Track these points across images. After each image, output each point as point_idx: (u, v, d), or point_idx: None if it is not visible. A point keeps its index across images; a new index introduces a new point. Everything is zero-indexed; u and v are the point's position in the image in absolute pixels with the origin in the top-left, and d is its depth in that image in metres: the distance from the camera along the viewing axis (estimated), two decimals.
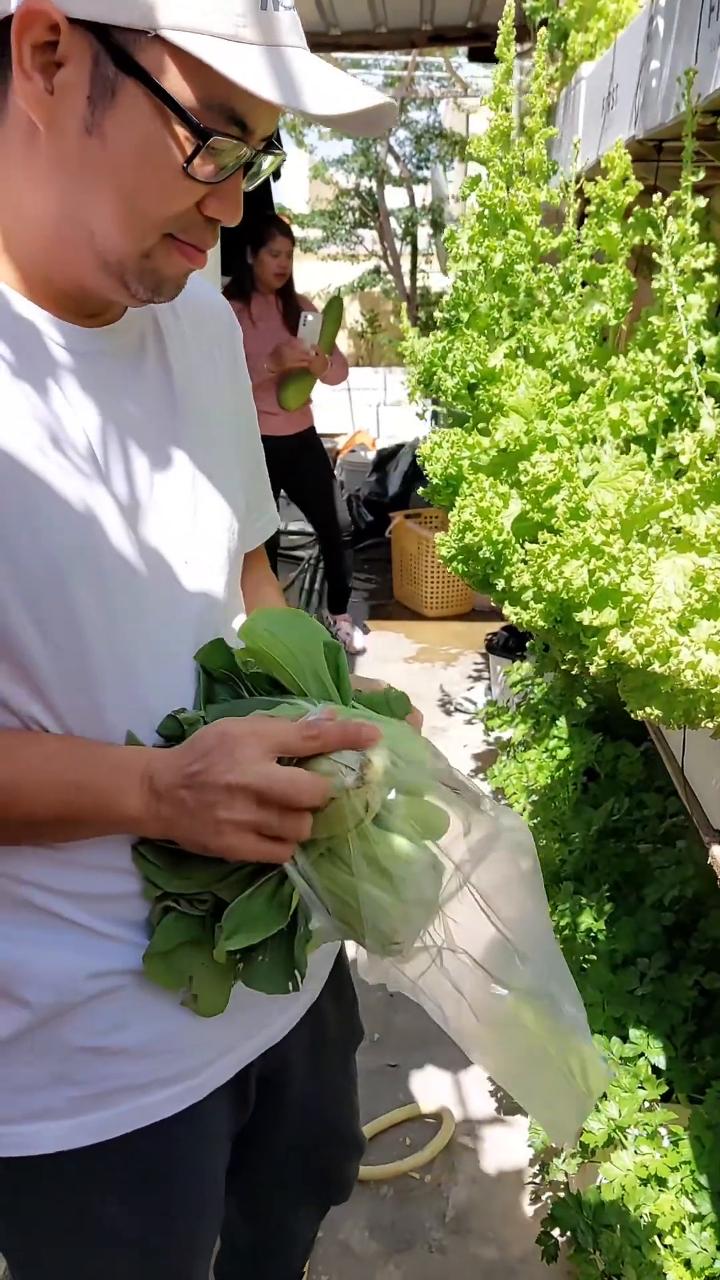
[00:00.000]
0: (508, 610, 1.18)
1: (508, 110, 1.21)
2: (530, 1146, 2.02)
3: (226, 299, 1.69)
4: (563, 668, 1.19)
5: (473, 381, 1.17)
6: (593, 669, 1.14)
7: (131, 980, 0.89)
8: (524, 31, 5.43)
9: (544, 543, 1.09)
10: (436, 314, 1.22)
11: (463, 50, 7.90)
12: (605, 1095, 1.70)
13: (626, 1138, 1.65)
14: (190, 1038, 0.94)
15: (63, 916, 0.87)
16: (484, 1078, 2.31)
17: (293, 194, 15.73)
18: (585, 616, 1.10)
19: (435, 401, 1.44)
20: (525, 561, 1.13)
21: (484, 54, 6.27)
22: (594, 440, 1.27)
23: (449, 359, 1.19)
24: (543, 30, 1.79)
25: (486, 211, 1.21)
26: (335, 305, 4.58)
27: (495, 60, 1.55)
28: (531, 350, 1.20)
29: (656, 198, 1.15)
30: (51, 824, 0.83)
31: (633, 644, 1.08)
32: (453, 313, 1.23)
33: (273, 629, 0.90)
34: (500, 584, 1.17)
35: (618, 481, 1.11)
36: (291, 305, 4.42)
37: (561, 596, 1.11)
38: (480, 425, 1.21)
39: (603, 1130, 1.64)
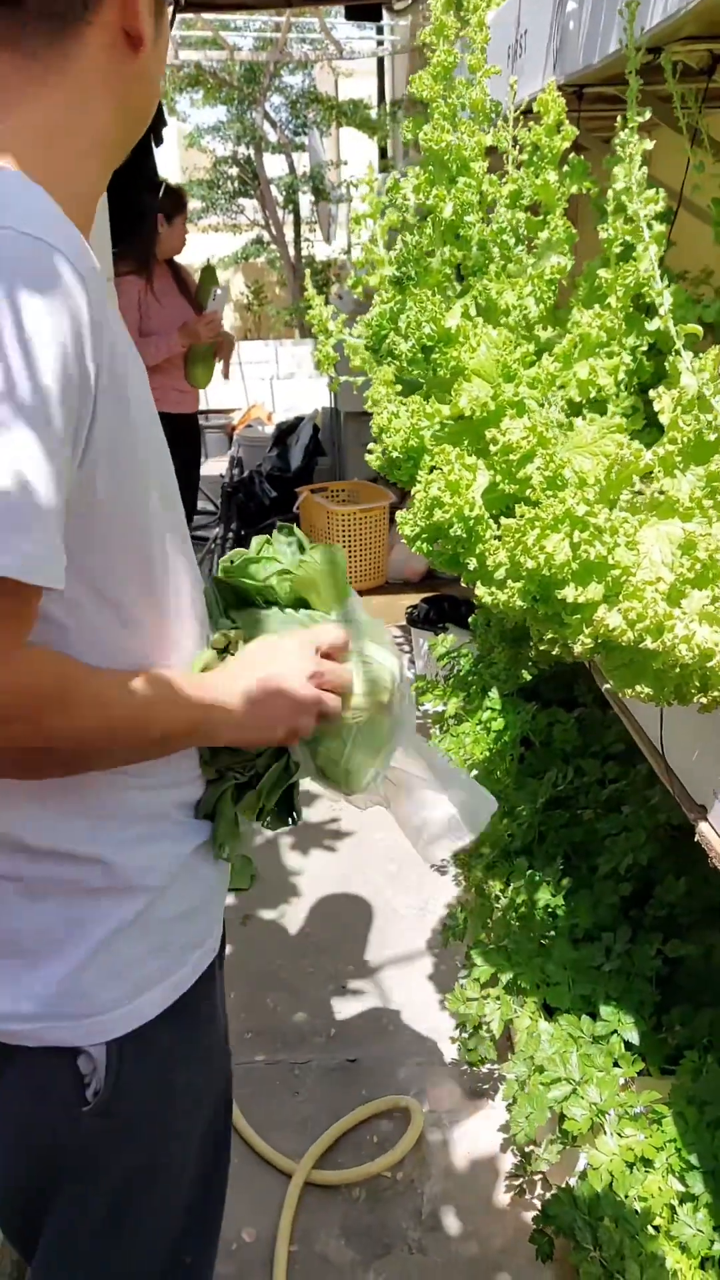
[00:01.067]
0: (480, 591, 1.10)
1: (450, 44, 1.11)
2: (502, 1132, 1.98)
3: (123, 272, 1.58)
4: (541, 648, 1.11)
5: (429, 344, 1.08)
6: (578, 649, 1.06)
7: (194, 852, 1.04)
8: None
9: (521, 516, 1.01)
10: (380, 273, 1.12)
11: (337, 11, 7.72)
12: (584, 1078, 1.66)
13: (608, 1120, 1.61)
14: (219, 893, 1.10)
15: (157, 812, 1.01)
16: (449, 1062, 2.26)
17: (167, 162, 15.27)
18: (569, 593, 1.03)
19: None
20: (499, 538, 1.04)
21: (362, 11, 6.12)
22: (557, 403, 1.19)
23: (401, 320, 1.09)
24: None
25: (432, 158, 1.11)
26: (209, 274, 4.48)
27: (373, 19, 1.44)
28: (488, 307, 1.11)
29: (625, 135, 1.06)
30: (178, 739, 0.97)
31: (622, 620, 1.00)
32: (402, 270, 1.13)
33: (316, 558, 1.09)
34: (472, 563, 1.08)
35: (595, 446, 1.03)
36: (182, 277, 4.27)
37: (542, 573, 1.03)
38: (437, 392, 1.11)
39: (585, 1116, 1.60)
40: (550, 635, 1.12)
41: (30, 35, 0.82)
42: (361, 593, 5.23)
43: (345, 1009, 2.45)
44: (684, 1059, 1.70)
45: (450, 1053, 2.27)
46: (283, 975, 2.57)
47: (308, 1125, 2.13)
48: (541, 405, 1.09)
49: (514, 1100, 1.71)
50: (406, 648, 4.62)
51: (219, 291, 4.24)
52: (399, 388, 1.20)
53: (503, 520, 1.06)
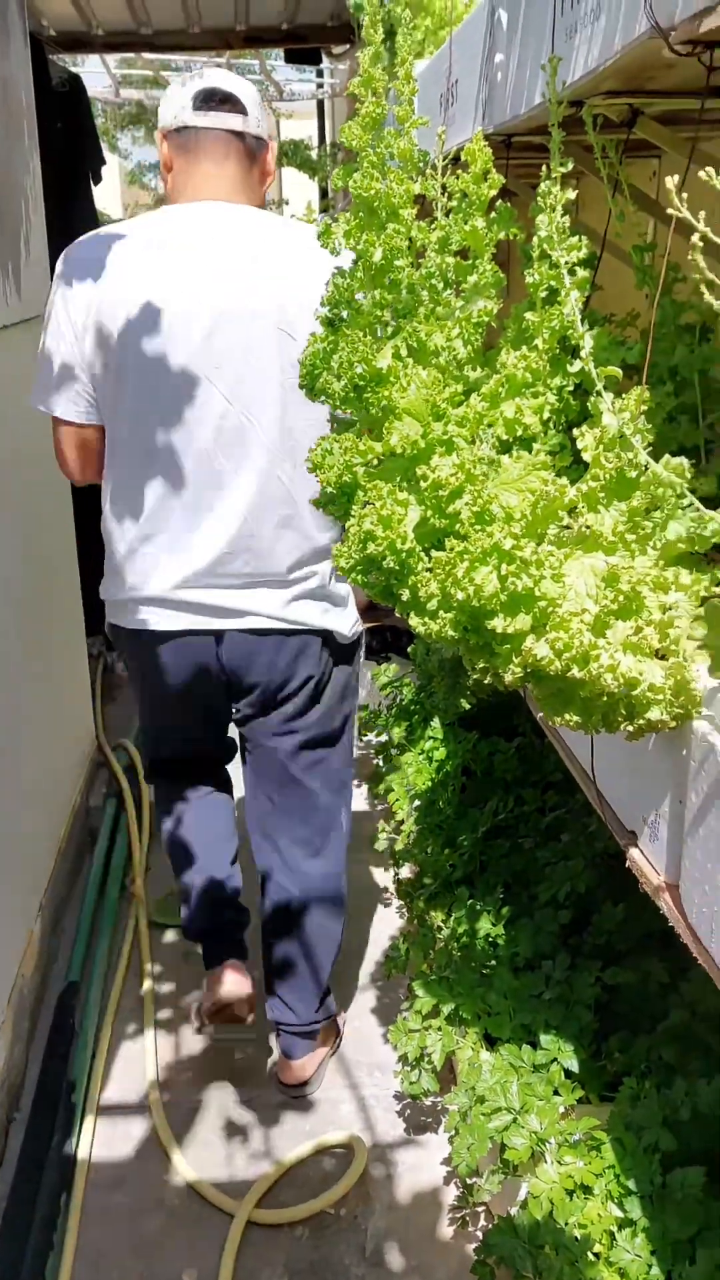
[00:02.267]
0: (414, 621, 1.12)
1: (378, 96, 1.15)
2: (445, 1165, 1.98)
3: None
4: (474, 677, 1.13)
5: (360, 383, 1.11)
6: (508, 678, 1.09)
7: None
8: (347, 31, 5.41)
9: (451, 549, 1.03)
10: (316, 312, 1.15)
11: (277, 53, 7.85)
12: (524, 1108, 1.67)
13: (548, 1149, 1.62)
14: None
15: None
16: (393, 1095, 2.25)
17: (108, 199, 15.32)
18: (498, 624, 1.05)
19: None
20: (431, 570, 1.07)
21: (300, 55, 6.24)
22: (480, 440, 1.22)
23: (334, 361, 1.12)
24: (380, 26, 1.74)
25: (362, 205, 1.14)
26: None
27: (311, 62, 1.49)
28: (418, 349, 1.14)
29: (544, 187, 1.11)
30: None
31: (549, 650, 1.03)
32: (334, 311, 1.16)
33: None
34: (405, 594, 1.10)
35: (521, 482, 1.06)
36: None
37: (472, 604, 1.05)
38: (370, 429, 1.14)
39: (525, 1145, 1.61)
40: (482, 665, 1.14)
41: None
42: None
43: None
44: (622, 1085, 1.71)
45: (395, 1086, 2.27)
46: None
47: (250, 1163, 2.11)
48: (471, 443, 1.12)
49: (456, 1132, 1.72)
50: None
51: None
52: (337, 426, 1.23)
53: (434, 553, 1.08)
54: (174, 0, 5.05)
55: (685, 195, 0.76)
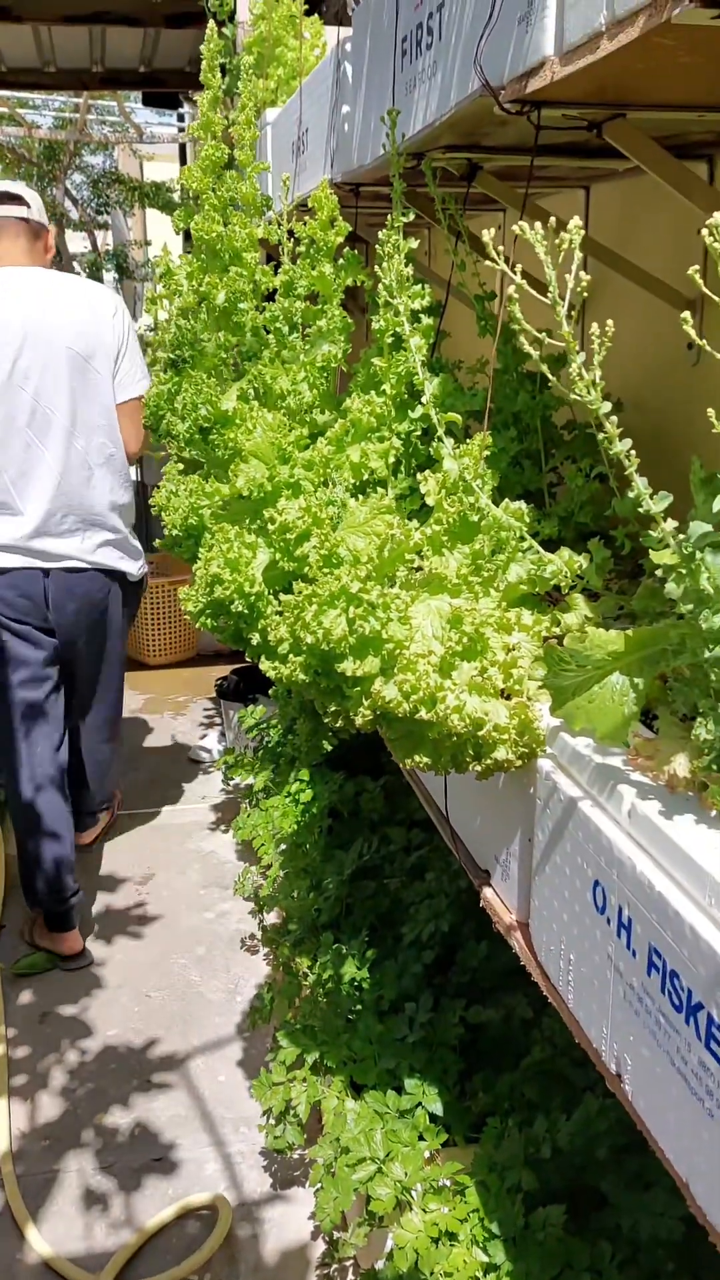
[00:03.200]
0: (265, 666, 1.10)
1: (218, 140, 1.15)
2: (313, 1220, 1.93)
3: None
4: (325, 720, 1.12)
5: (205, 425, 1.09)
6: (359, 720, 1.08)
7: None
8: (197, 78, 5.45)
9: (299, 592, 1.03)
10: (158, 354, 1.13)
11: (136, 96, 7.85)
12: (389, 1156, 1.64)
13: (413, 1197, 1.60)
14: None
15: None
16: (260, 1151, 2.19)
17: None
18: (348, 666, 1.05)
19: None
20: (280, 613, 1.06)
21: (158, 99, 6.26)
22: (329, 484, 1.22)
23: (178, 402, 1.10)
24: (245, 67, 1.76)
25: (204, 247, 1.14)
26: None
27: (170, 106, 1.49)
28: (263, 392, 1.14)
29: (386, 234, 1.12)
30: None
31: (398, 692, 1.03)
32: (177, 353, 1.14)
33: None
34: (255, 638, 1.09)
35: (367, 526, 1.07)
36: None
37: (321, 647, 1.04)
38: (216, 471, 1.13)
39: (389, 1195, 1.58)
40: (334, 708, 1.14)
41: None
42: (171, 665, 5.20)
43: (150, 1105, 2.34)
44: (487, 1126, 1.71)
45: (261, 1141, 2.21)
46: (84, 1074, 2.44)
47: (110, 1233, 2.01)
48: (318, 487, 1.12)
49: (321, 1185, 1.68)
50: (217, 720, 4.58)
51: None
52: (180, 466, 1.20)
53: (282, 596, 1.07)
54: (27, 37, 5.00)
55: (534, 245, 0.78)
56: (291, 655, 1.07)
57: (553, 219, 0.68)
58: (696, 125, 1.20)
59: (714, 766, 0.81)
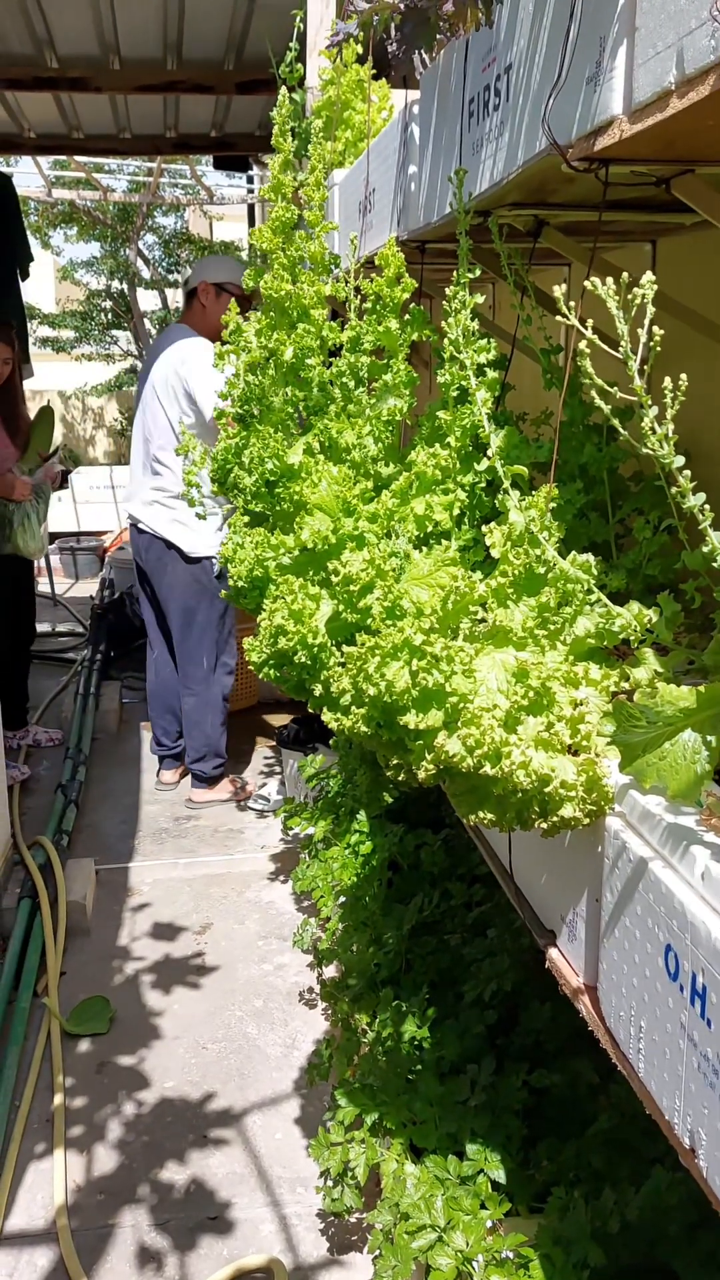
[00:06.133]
0: (327, 717, 1.10)
1: (288, 201, 1.18)
2: None
3: None
4: (388, 773, 1.11)
5: (271, 479, 1.10)
6: (421, 775, 1.07)
7: None
8: (267, 142, 5.64)
9: (362, 644, 1.02)
10: (226, 408, 1.15)
11: (207, 159, 8.10)
12: (450, 1224, 1.60)
13: (475, 1268, 1.54)
14: None
15: None
16: (317, 1213, 2.15)
17: (41, 294, 15.53)
18: (410, 719, 1.04)
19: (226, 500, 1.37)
20: (343, 665, 1.05)
21: (228, 162, 6.44)
22: (393, 535, 1.22)
23: (245, 456, 1.12)
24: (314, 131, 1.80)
25: (273, 305, 1.16)
26: (46, 415, 4.58)
27: (240, 169, 1.53)
28: (329, 446, 1.15)
29: (451, 290, 1.13)
30: None
31: (461, 746, 1.02)
32: (245, 408, 1.16)
33: None
34: (318, 689, 1.09)
35: (431, 577, 1.06)
36: (11, 409, 4.35)
37: (384, 700, 1.04)
38: (282, 524, 1.14)
39: (450, 1265, 1.53)
40: (396, 761, 1.12)
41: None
42: (234, 714, 5.25)
43: (206, 1161, 2.31)
44: (551, 1196, 1.65)
45: (318, 1202, 2.16)
46: (139, 1128, 2.42)
47: None
48: (382, 539, 1.12)
49: (379, 1253, 1.63)
50: (278, 768, 4.58)
51: (58, 455, 4.55)
52: (246, 519, 1.22)
53: (345, 648, 1.07)
54: (104, 106, 5.20)
55: (594, 301, 0.78)
56: (354, 707, 1.06)
57: (625, 274, 0.68)
58: None
59: None
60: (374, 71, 2.81)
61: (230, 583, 1.13)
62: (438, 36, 1.54)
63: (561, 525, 1.29)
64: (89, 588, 8.26)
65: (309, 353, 1.14)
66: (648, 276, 0.67)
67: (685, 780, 0.90)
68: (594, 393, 0.72)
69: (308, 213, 1.25)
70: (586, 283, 0.69)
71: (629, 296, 0.65)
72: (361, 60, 2.79)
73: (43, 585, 6.88)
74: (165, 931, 3.27)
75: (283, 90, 1.24)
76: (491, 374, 1.37)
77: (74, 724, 4.85)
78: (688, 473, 0.69)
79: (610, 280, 0.68)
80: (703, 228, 1.55)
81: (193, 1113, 2.46)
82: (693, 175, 1.04)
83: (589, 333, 0.69)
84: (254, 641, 1.09)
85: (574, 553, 1.04)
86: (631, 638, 1.04)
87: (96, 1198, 2.20)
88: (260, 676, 1.13)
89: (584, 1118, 1.82)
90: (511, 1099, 1.83)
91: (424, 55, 1.63)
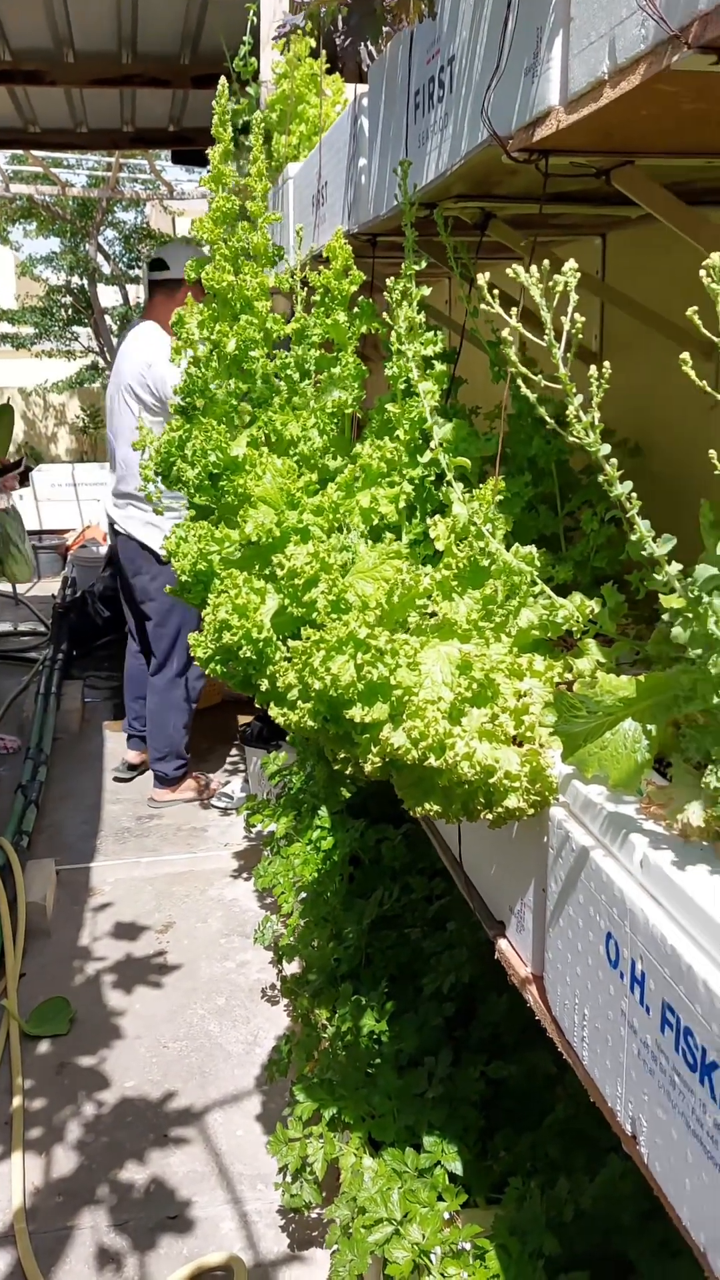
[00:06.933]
0: (274, 712, 1.09)
1: (229, 191, 1.17)
2: None
3: None
4: (335, 767, 1.11)
5: (215, 471, 1.10)
6: (368, 768, 1.07)
7: None
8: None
9: (307, 638, 1.02)
10: (170, 402, 1.14)
11: (166, 153, 8.05)
12: (407, 1216, 1.60)
13: (432, 1261, 1.55)
14: None
15: None
16: (275, 1211, 2.14)
17: (0, 290, 15.38)
18: (356, 713, 1.03)
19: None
20: (289, 659, 1.05)
21: (187, 156, 6.40)
22: (343, 529, 1.22)
23: (188, 448, 1.11)
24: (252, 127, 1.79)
25: (216, 296, 1.15)
26: (5, 413, 4.56)
27: (199, 163, 1.52)
28: (274, 438, 1.14)
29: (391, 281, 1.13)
30: None
31: (406, 739, 1.02)
32: (188, 400, 1.15)
33: None
34: (264, 684, 1.08)
35: (376, 571, 1.06)
36: None
37: (329, 694, 1.03)
38: (227, 517, 1.13)
39: (407, 1258, 1.54)
40: (343, 755, 1.12)
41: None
42: (200, 712, 5.23)
43: (166, 1160, 2.30)
44: (509, 1186, 1.66)
45: (280, 1199, 2.16)
46: (99, 1128, 2.40)
47: None
48: (328, 533, 1.12)
49: (337, 1247, 1.63)
50: (242, 766, 4.56)
51: (22, 465, 4.66)
52: (193, 513, 1.21)
53: (290, 642, 1.06)
54: (60, 100, 5.15)
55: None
56: (300, 701, 1.06)
57: (545, 261, 0.68)
58: (709, 171, 1.21)
59: None
60: (328, 65, 2.80)
61: (176, 577, 1.12)
62: (384, 29, 1.53)
63: (509, 518, 1.29)
64: (51, 586, 8.19)
65: (252, 344, 1.13)
66: (570, 264, 0.67)
67: (626, 769, 0.90)
68: (522, 382, 0.72)
69: (250, 204, 1.24)
70: (509, 270, 0.69)
71: (550, 284, 0.65)
72: (315, 54, 2.79)
73: (4, 585, 6.81)
74: (127, 931, 3.25)
75: (221, 80, 1.23)
76: (439, 366, 1.37)
77: (35, 724, 4.80)
78: (614, 460, 0.69)
79: (534, 268, 0.67)
80: (649, 221, 1.56)
81: (153, 1112, 2.45)
82: (632, 167, 1.05)
83: (513, 321, 0.69)
84: (199, 637, 1.08)
85: (517, 545, 1.04)
86: (575, 629, 1.05)
87: (55, 1200, 2.19)
88: (207, 673, 1.12)
89: (541, 1108, 1.83)
90: (469, 1091, 1.83)
91: (371, 48, 1.63)
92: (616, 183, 1.06)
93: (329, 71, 2.79)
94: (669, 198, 1.11)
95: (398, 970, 2.30)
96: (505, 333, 0.70)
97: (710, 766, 0.76)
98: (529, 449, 1.45)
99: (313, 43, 2.77)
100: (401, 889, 2.57)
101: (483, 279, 0.75)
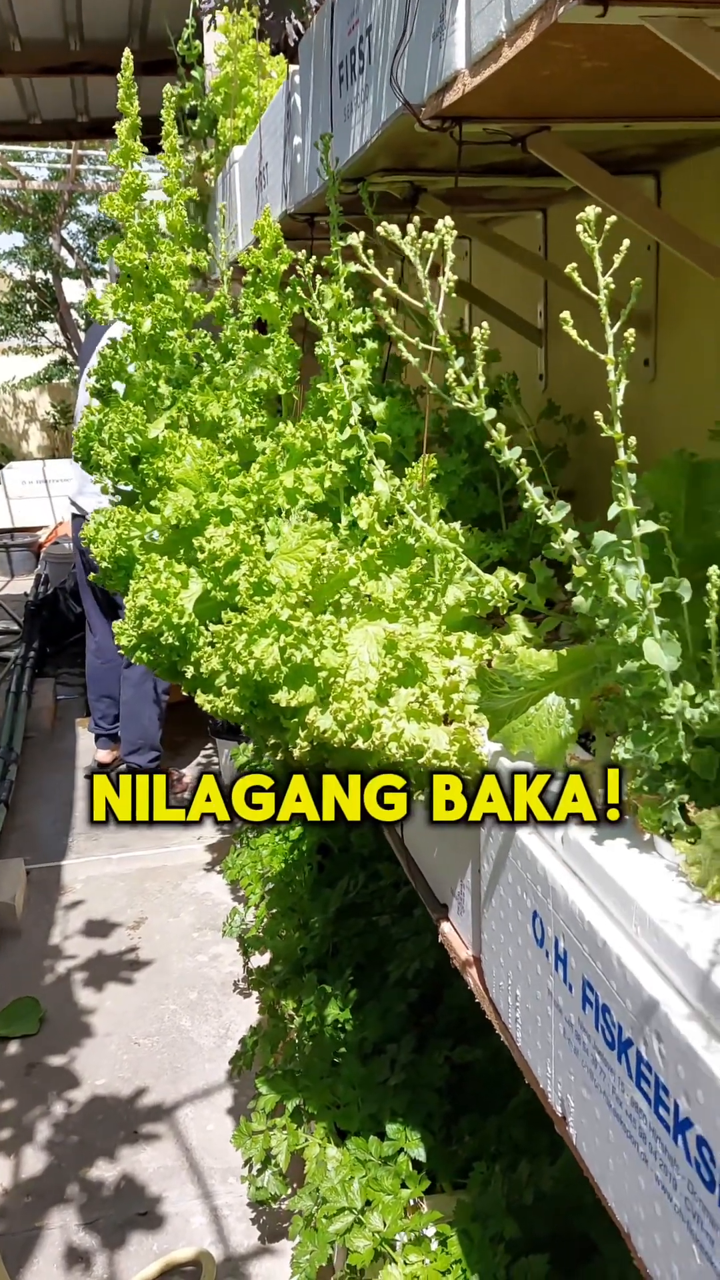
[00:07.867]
0: (201, 699, 1.07)
1: (138, 167, 1.14)
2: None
3: None
4: (265, 754, 1.09)
5: (134, 455, 1.07)
6: (297, 753, 1.05)
7: None
8: (178, 123, 5.62)
9: (229, 622, 1.00)
10: (93, 385, 1.12)
11: None
12: (369, 1205, 1.59)
13: (395, 1248, 1.54)
14: None
15: None
16: (244, 1204, 2.13)
17: None
18: (282, 697, 1.01)
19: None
20: (212, 644, 1.03)
21: (147, 145, 6.33)
22: (278, 512, 1.20)
23: (105, 432, 1.08)
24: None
25: (129, 274, 1.12)
26: None
27: (156, 151, 1.50)
28: (196, 420, 1.12)
29: (310, 263, 1.11)
30: None
31: (334, 721, 1.00)
32: (103, 383, 1.12)
33: None
34: (189, 671, 1.06)
35: (299, 552, 1.04)
36: None
37: (255, 678, 1.01)
38: (148, 501, 1.10)
39: (368, 1246, 1.52)
40: (272, 740, 1.10)
41: None
42: (174, 705, 5.21)
43: (137, 1157, 2.28)
44: (473, 1170, 1.65)
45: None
46: (69, 1127, 2.38)
47: None
48: (251, 515, 1.10)
49: (300, 1238, 1.62)
50: (215, 759, 4.54)
51: None
52: (117, 498, 1.18)
53: (212, 626, 1.04)
54: (10, 90, 5.08)
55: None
56: (226, 687, 1.04)
57: (416, 219, 0.66)
58: (629, 138, 1.19)
59: (645, 788, 0.78)
60: (273, 46, 2.77)
61: (99, 564, 1.09)
62: (310, 2, 1.51)
63: (444, 496, 1.27)
64: (24, 584, 8.14)
65: (169, 324, 1.11)
66: (445, 221, 0.65)
67: (550, 744, 0.89)
68: (403, 346, 0.70)
69: (164, 180, 1.21)
70: (380, 228, 0.67)
71: (423, 243, 0.63)
72: (259, 35, 2.75)
73: None
74: (98, 928, 3.23)
75: (126, 52, 1.20)
76: (371, 344, 1.34)
77: (5, 722, 4.76)
78: (502, 426, 0.67)
79: (410, 227, 0.65)
80: (581, 194, 1.54)
81: (124, 1109, 2.43)
82: (548, 133, 1.03)
83: (389, 282, 0.67)
84: (122, 625, 1.06)
85: (442, 522, 1.02)
86: (501, 605, 1.03)
87: (24, 1201, 2.16)
88: (133, 660, 1.10)
89: (506, 1091, 1.82)
90: (433, 1076, 1.82)
91: (296, 21, 1.60)
92: (533, 149, 1.04)
93: (274, 52, 2.75)
94: (588, 164, 1.09)
95: (365, 958, 2.28)
96: (378, 293, 0.68)
97: (618, 738, 0.75)
98: (466, 426, 1.43)
99: (255, 24, 2.73)
100: (369, 876, 2.55)
101: (356, 239, 0.72)
